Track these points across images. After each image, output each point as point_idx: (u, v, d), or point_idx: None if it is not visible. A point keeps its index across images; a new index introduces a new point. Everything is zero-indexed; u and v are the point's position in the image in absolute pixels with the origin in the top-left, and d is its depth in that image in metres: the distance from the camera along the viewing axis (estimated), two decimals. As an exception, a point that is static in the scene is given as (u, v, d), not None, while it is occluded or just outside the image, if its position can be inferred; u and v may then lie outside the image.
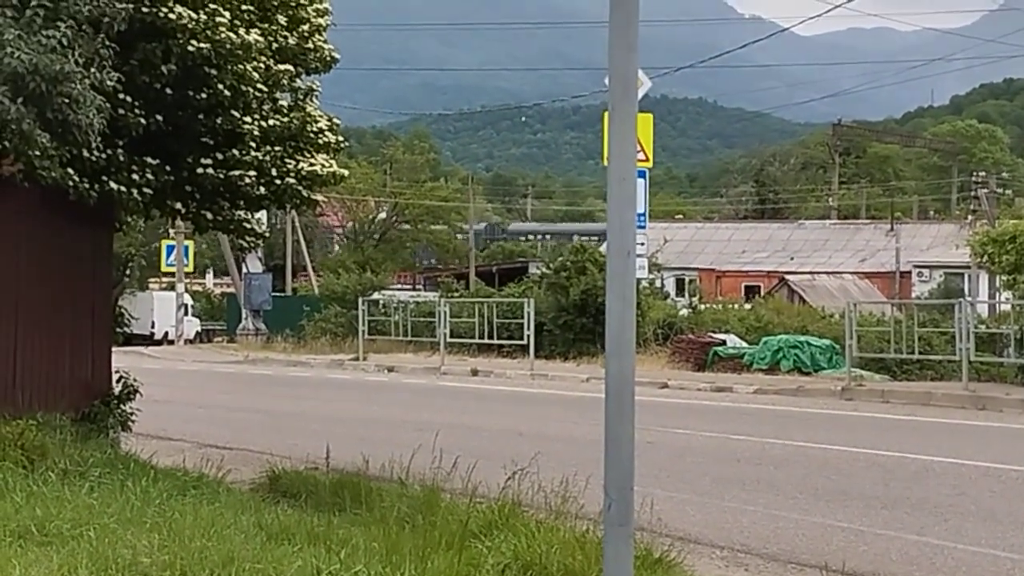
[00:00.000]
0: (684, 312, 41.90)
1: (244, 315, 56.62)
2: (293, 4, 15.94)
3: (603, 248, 20.32)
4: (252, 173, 15.14)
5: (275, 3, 15.70)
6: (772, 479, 15.39)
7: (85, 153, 12.97)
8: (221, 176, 14.93)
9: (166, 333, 62.34)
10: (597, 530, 8.30)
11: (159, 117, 14.08)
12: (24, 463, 11.56)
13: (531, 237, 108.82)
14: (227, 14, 14.20)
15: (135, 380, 15.90)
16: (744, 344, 35.42)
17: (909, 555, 11.04)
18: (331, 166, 16.34)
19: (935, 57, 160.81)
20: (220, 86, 14.26)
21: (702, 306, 43.97)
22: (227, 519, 9.51)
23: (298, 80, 16.34)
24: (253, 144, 15.16)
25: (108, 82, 12.62)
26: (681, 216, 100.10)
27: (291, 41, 15.82)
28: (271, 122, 15.49)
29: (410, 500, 10.66)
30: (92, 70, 12.39)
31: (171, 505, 10.05)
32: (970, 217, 70.84)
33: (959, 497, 13.99)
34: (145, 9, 13.47)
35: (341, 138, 16.90)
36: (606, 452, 5.87)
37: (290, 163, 15.83)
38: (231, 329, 60.06)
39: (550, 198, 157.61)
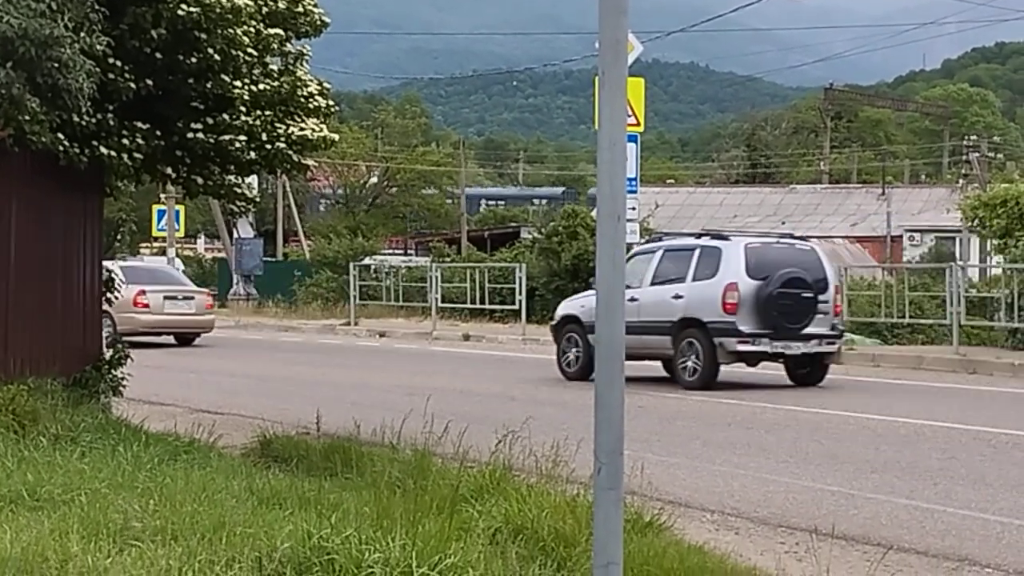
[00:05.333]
0: (675, 277, 41.84)
1: (235, 280, 56.61)
2: (283, -33, 15.88)
3: (595, 213, 20.39)
4: (242, 138, 15.10)
5: (265, -34, 15.64)
6: (763, 443, 15.44)
7: (75, 118, 12.93)
8: (211, 141, 14.90)
9: (157, 298, 62.24)
10: (587, 494, 8.31)
11: (149, 81, 14.04)
12: (15, 428, 11.56)
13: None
14: (216, -23, 14.15)
15: (126, 345, 15.89)
16: (736, 308, 35.40)
17: (899, 518, 11.08)
18: (322, 131, 16.30)
19: (927, 21, 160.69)
20: (210, 50, 14.21)
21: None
22: (218, 484, 9.52)
23: (288, 44, 16.27)
24: (243, 108, 15.12)
25: (98, 46, 12.58)
26: (673, 181, 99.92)
27: (281, 5, 15.75)
28: (261, 86, 15.44)
29: (401, 465, 10.67)
30: (82, 34, 12.35)
31: (162, 470, 10.05)
32: (961, 181, 70.84)
33: (949, 461, 14.03)
34: (134, -27, 13.43)
35: (332, 102, 16.85)
36: (596, 416, 5.87)
37: (280, 128, 15.78)
38: (222, 294, 59.99)
39: (542, 163, 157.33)
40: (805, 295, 22.60)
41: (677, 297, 23.15)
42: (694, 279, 23.10)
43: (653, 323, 22.83)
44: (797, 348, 22.59)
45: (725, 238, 24.05)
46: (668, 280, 23.58)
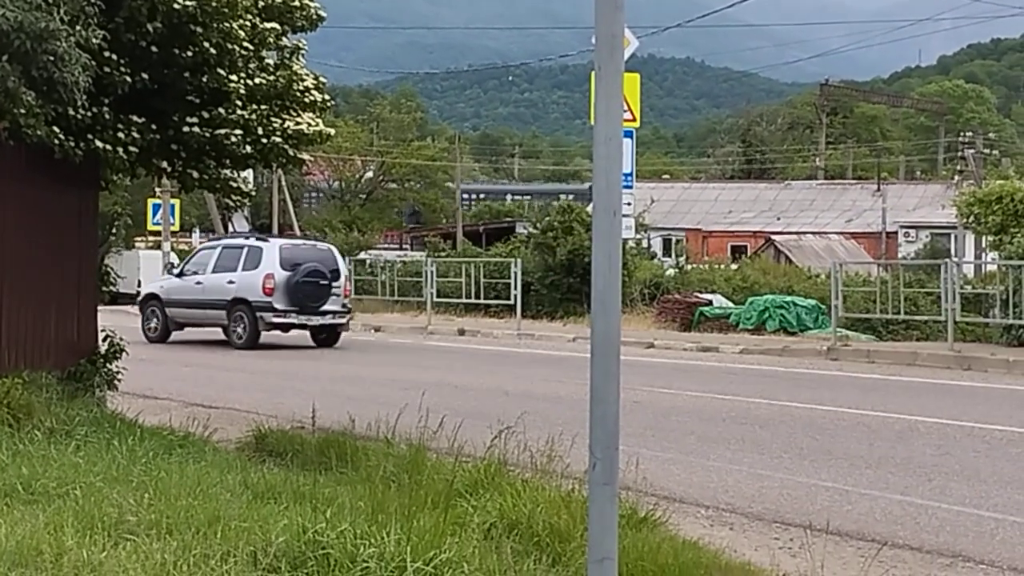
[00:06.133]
0: (670, 272, 41.94)
1: (231, 274, 56.51)
2: (279, -39, 15.86)
3: (590, 208, 20.98)
4: (238, 132, 15.10)
5: (261, -40, 15.61)
6: (757, 439, 15.44)
7: (71, 111, 12.92)
8: (207, 135, 14.89)
9: (152, 292, 62.18)
10: (582, 489, 8.32)
11: (145, 75, 14.02)
12: (10, 422, 11.56)
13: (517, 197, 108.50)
14: (213, -29, 14.13)
15: (121, 339, 15.88)
16: (730, 304, 35.49)
17: (893, 514, 11.09)
18: (317, 125, 16.30)
19: (923, 17, 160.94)
20: (206, 44, 14.19)
21: (688, 266, 44.03)
22: (213, 478, 9.52)
23: (284, 38, 16.28)
24: (239, 102, 15.11)
25: (93, 40, 12.56)
26: (668, 176, 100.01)
27: (277, -1, 15.76)
28: (257, 80, 15.44)
29: (396, 459, 10.67)
30: (77, 27, 12.34)
31: (157, 464, 10.05)
32: (957, 177, 70.88)
33: (943, 457, 14.04)
34: (130, -34, 13.40)
35: (327, 97, 16.85)
36: (591, 411, 5.87)
37: (276, 122, 15.78)
38: (217, 288, 59.95)
39: (537, 157, 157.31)
40: (322, 282, 31.49)
41: (231, 283, 31.70)
42: (243, 269, 31.82)
43: (214, 301, 31.75)
44: (317, 320, 31.79)
45: (266, 240, 33.40)
46: (225, 269, 32.25)
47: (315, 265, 31.63)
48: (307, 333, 32.31)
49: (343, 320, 32.51)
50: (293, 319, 31.41)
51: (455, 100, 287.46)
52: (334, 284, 31.79)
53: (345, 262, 34.63)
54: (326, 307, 31.68)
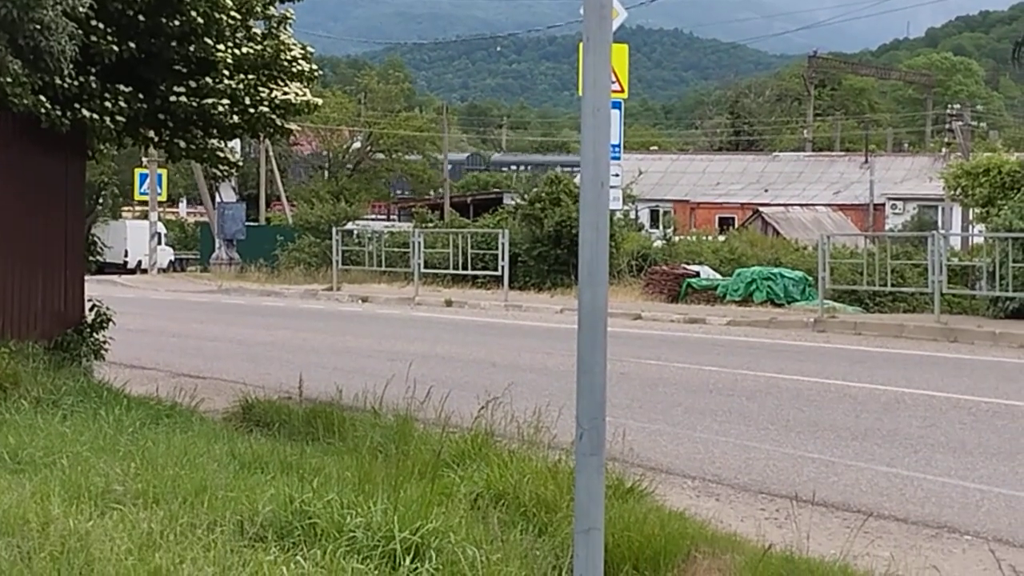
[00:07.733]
0: (658, 244, 41.93)
1: (217, 244, 56.51)
2: (267, -69, 15.81)
3: (577, 179, 21.00)
4: (225, 101, 15.06)
5: (249, -71, 15.56)
6: (744, 410, 15.46)
7: (57, 80, 12.89)
8: (194, 104, 14.85)
9: (139, 262, 62.20)
10: (569, 460, 8.33)
11: (132, 44, 13.98)
12: (-4, 391, 11.55)
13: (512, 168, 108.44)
14: (200, -60, 14.08)
15: (108, 309, 15.86)
16: (717, 276, 35.50)
17: (879, 486, 11.11)
18: (305, 95, 16.26)
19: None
20: (193, 13, 14.16)
21: (676, 238, 44.02)
22: (200, 448, 9.52)
23: (272, 8, 16.23)
24: (226, 72, 15.07)
25: (80, 8, 12.52)
26: (656, 148, 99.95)
27: (265, -32, 15.71)
28: (244, 50, 15.40)
29: (383, 430, 10.67)
30: (64, -4, 12.29)
31: (144, 434, 10.05)
32: (944, 150, 70.91)
33: (929, 429, 14.07)
34: (117, -65, 13.35)
35: (315, 67, 16.80)
36: (578, 382, 5.87)
37: (263, 91, 15.74)
38: (204, 259, 59.99)
39: (525, 129, 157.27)
40: None
41: None
42: None
43: None
44: None
45: None
46: None
47: None
48: (296, 303, 31.53)
49: None
50: None
51: (443, 71, 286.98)
52: None
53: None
54: None
